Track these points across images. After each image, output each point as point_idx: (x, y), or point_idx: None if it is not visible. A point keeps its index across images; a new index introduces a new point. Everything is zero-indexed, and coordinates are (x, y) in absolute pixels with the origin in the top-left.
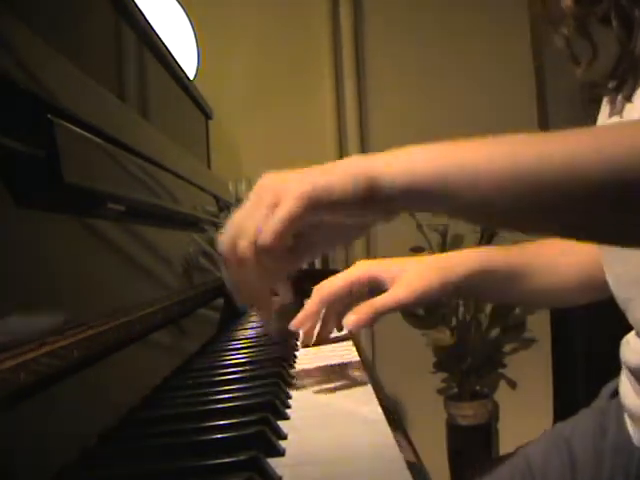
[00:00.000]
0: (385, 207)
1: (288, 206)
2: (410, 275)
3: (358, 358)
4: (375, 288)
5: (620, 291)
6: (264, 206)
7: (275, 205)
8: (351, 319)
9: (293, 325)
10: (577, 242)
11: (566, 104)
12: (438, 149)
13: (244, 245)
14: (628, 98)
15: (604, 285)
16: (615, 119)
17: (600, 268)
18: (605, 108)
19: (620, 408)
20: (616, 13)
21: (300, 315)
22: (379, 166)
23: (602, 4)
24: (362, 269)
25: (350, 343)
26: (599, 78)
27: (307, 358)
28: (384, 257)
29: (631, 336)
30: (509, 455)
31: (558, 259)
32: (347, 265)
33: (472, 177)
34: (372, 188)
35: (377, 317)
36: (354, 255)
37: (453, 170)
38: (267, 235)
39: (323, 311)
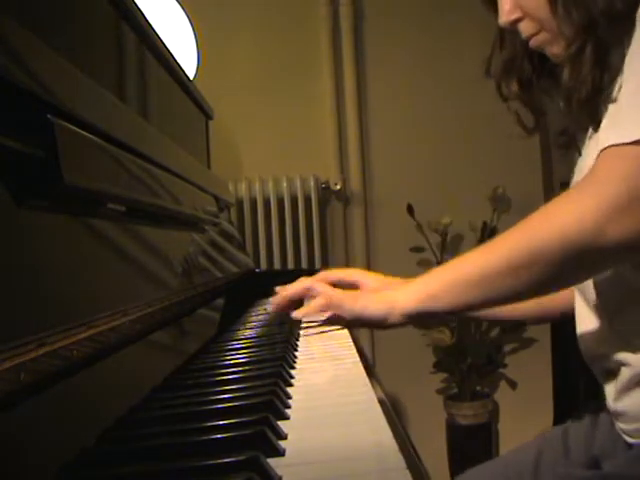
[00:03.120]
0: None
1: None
2: None
3: (357, 358)
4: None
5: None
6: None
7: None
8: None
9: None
10: None
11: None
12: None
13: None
14: (579, 152)
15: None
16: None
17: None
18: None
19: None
20: (557, 83)
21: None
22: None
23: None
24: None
25: (350, 345)
26: (553, 136)
27: (307, 358)
28: (383, 257)
29: None
30: (504, 456)
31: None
32: (347, 264)
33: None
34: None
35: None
36: (354, 254)
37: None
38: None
39: None
